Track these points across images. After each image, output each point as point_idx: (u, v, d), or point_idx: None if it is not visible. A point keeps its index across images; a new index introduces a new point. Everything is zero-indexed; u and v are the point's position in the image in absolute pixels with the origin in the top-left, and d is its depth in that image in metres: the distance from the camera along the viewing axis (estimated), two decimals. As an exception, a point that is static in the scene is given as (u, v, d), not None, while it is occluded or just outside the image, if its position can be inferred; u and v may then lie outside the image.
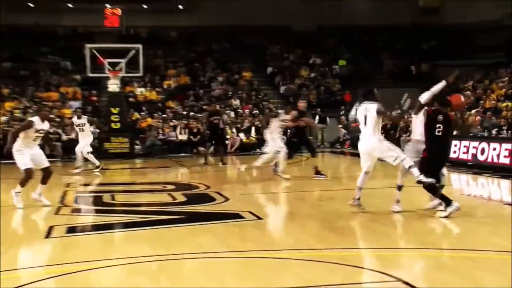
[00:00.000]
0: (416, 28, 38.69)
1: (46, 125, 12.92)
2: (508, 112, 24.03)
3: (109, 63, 26.64)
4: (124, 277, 7.44)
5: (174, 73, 33.24)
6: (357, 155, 13.31)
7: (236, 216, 11.24)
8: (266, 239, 9.33)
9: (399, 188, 11.26)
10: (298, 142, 18.20)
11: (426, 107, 11.11)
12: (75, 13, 36.08)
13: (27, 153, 12.41)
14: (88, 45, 27.53)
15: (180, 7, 36.85)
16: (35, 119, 12.65)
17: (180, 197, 13.87)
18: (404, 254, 8.71)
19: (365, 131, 11.22)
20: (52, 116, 18.63)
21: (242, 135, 27.41)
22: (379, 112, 10.95)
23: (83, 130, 19.37)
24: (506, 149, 19.77)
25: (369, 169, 11.14)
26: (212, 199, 13.54)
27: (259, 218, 10.82)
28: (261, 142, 28.13)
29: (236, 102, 30.71)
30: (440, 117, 10.83)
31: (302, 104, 18.10)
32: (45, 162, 12.78)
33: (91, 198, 14.89)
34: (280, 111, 18.24)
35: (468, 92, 28.81)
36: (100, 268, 7.69)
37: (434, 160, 10.82)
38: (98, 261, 7.90)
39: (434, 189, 10.62)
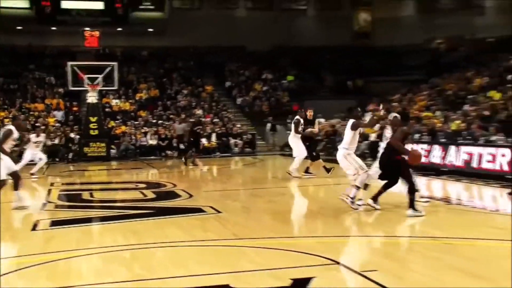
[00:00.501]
0: (354, 48, 39.42)
1: (17, 135, 12.09)
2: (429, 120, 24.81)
3: (89, 78, 26.71)
4: (100, 264, 7.39)
5: (145, 86, 33.08)
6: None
7: (198, 210, 11.23)
8: (225, 230, 9.33)
9: (365, 187, 11.46)
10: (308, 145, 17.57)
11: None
12: (60, 35, 35.69)
13: (2, 163, 11.31)
14: (70, 63, 27.48)
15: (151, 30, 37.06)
16: (12, 127, 11.86)
17: (150, 194, 13.87)
18: (344, 241, 8.77)
19: (341, 143, 11.47)
20: (26, 124, 18.53)
21: (204, 140, 27.59)
22: (352, 127, 11.11)
23: (38, 147, 18.81)
24: (425, 150, 20.46)
25: (349, 170, 11.21)
26: (178, 196, 13.54)
27: (219, 212, 10.79)
28: (220, 146, 28.59)
29: (199, 112, 30.83)
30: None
31: (310, 113, 17.68)
32: (14, 167, 11.88)
33: (73, 195, 14.80)
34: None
35: (395, 104, 29.69)
36: (79, 256, 7.66)
37: (387, 162, 10.71)
38: (77, 250, 7.86)
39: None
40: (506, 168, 17.46)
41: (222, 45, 36.42)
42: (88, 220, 10.72)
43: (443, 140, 22.27)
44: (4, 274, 6.75)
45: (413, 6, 42.41)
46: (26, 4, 36.78)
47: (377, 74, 36.48)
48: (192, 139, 22.47)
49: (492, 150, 18.65)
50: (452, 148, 20.27)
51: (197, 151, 21.98)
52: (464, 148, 19.91)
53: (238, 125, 30.27)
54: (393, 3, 41.81)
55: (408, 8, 42.46)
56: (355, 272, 6.63)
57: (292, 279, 6.36)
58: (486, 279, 6.91)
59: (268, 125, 29.70)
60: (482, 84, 29.01)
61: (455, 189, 16.54)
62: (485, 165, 18.65)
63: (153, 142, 26.98)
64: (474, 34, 38.37)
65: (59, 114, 29.33)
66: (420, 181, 14.65)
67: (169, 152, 25.94)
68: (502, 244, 9.09)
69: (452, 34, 39.11)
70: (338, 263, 6.94)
